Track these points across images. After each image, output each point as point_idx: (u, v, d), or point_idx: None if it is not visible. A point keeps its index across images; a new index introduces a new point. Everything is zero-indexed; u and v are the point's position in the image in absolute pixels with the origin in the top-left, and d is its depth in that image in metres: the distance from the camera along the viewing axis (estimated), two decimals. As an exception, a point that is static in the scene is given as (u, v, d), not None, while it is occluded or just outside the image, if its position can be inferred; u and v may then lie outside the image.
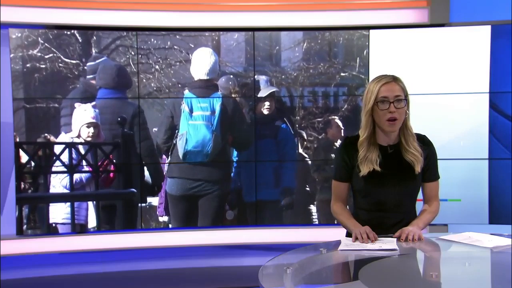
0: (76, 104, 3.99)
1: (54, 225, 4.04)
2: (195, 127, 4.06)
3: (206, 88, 4.08)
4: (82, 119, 3.99)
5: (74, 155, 4.01)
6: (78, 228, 4.07)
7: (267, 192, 4.20)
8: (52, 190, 4.03)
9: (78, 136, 4.01)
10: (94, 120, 4.01)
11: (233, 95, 4.16)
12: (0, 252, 3.80)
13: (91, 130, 4.01)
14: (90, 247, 4.09)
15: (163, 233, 4.17)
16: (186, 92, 4.09)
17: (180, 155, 4.07)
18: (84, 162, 4.05)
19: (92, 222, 4.09)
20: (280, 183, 4.23)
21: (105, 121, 4.06)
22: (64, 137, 4.01)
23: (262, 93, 4.14)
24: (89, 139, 4.01)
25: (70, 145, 4.01)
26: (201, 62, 4.07)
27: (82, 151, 4.04)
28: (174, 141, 4.09)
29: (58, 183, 4.02)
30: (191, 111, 4.06)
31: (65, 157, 4.00)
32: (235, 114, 4.12)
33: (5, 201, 4.04)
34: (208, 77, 4.07)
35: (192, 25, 4.12)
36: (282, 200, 4.22)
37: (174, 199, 4.14)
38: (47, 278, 4.04)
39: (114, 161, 4.12)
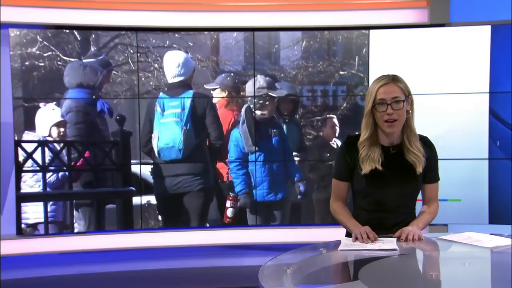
0: (41, 104, 3.97)
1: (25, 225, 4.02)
2: (166, 124, 4.11)
3: (178, 88, 4.12)
4: (51, 119, 3.98)
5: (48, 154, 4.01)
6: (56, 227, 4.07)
7: (265, 192, 4.21)
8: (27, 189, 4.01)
9: (49, 136, 3.99)
10: (63, 119, 4.01)
11: (233, 94, 4.17)
12: (0, 252, 3.80)
13: (62, 129, 4.01)
14: (90, 247, 4.09)
15: (162, 233, 4.17)
16: (160, 94, 4.12)
17: (156, 154, 4.12)
18: (60, 161, 4.03)
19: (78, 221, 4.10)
20: (280, 182, 4.24)
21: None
22: (29, 136, 3.98)
23: (279, 94, 4.16)
24: (58, 138, 4.00)
25: (69, 144, 4.01)
26: (169, 66, 4.11)
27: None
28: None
29: (32, 182, 4.01)
30: (163, 110, 4.11)
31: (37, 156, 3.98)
32: (207, 109, 4.14)
33: (5, 201, 4.04)
34: (178, 79, 4.10)
35: (192, 25, 4.13)
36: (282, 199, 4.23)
37: (161, 199, 4.18)
38: (47, 278, 4.04)
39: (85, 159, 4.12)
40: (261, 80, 4.14)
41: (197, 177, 4.16)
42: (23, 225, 3.99)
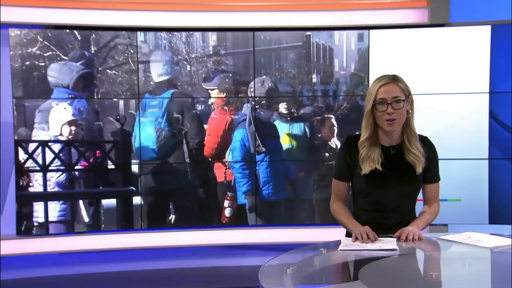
0: (54, 103, 3.98)
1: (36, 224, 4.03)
2: (143, 124, 4.11)
3: (162, 87, 4.11)
4: (63, 117, 3.99)
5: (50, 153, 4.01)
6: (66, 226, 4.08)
7: (266, 192, 4.22)
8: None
9: (60, 135, 4.00)
10: (74, 118, 4.01)
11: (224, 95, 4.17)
12: (0, 252, 3.80)
13: (73, 128, 4.01)
14: (90, 247, 4.09)
15: (163, 233, 4.17)
16: (146, 94, 4.14)
17: (135, 154, 4.14)
18: (61, 161, 4.03)
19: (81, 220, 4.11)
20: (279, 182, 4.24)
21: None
22: (41, 135, 3.99)
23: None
24: (70, 137, 4.01)
25: (69, 144, 4.01)
26: (155, 65, 4.12)
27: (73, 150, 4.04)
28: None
29: (52, 181, 4.02)
30: (144, 110, 4.12)
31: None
32: (185, 109, 4.14)
33: (5, 200, 4.04)
34: (163, 78, 4.11)
35: (192, 25, 4.12)
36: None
37: (145, 199, 4.19)
38: (47, 278, 4.04)
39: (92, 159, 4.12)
40: (268, 81, 4.14)
41: (176, 176, 4.16)
42: (35, 223, 4.00)
